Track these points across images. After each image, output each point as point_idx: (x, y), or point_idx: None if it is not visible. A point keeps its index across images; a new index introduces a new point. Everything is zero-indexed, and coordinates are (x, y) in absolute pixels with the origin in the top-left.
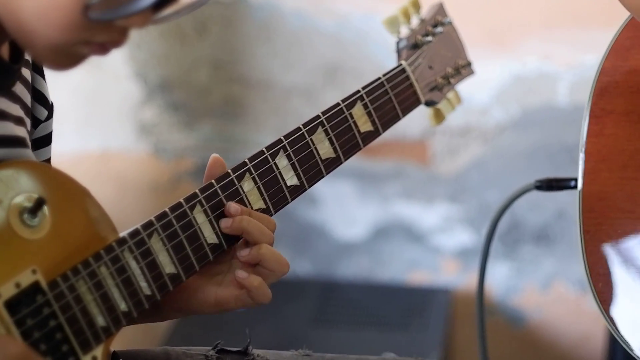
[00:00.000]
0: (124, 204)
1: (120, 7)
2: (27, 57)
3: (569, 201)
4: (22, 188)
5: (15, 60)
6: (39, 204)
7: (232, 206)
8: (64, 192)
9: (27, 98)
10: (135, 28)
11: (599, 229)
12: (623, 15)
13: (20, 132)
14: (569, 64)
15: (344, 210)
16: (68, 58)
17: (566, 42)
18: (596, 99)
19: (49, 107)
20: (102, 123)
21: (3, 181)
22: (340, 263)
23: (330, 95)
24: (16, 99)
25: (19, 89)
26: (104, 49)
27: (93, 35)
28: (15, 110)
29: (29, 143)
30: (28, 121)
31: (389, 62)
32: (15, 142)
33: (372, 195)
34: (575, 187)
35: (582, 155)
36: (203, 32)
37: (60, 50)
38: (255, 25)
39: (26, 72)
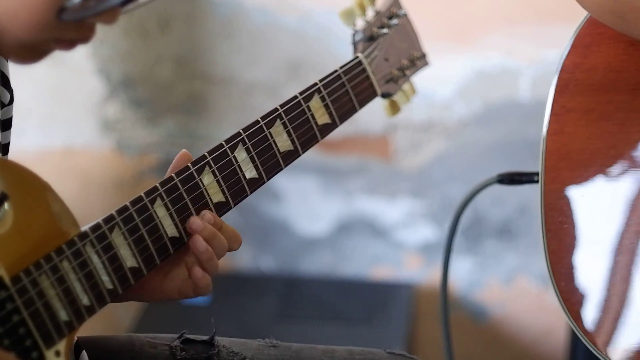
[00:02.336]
0: (88, 200)
1: (92, 6)
2: None
3: (532, 196)
4: None
5: None
6: (1, 199)
7: (195, 222)
8: (25, 186)
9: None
10: (105, 24)
11: (560, 228)
12: (584, 10)
13: None
14: (531, 59)
15: (307, 205)
16: (35, 54)
17: (528, 37)
18: (557, 96)
19: (12, 91)
20: (66, 119)
21: None
22: (304, 258)
23: (293, 91)
24: None
25: None
26: (71, 45)
27: (63, 34)
28: None
29: None
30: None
31: (350, 57)
32: None
33: (335, 191)
34: (537, 181)
35: (542, 154)
36: (166, 28)
37: (28, 48)
38: (218, 22)
39: None
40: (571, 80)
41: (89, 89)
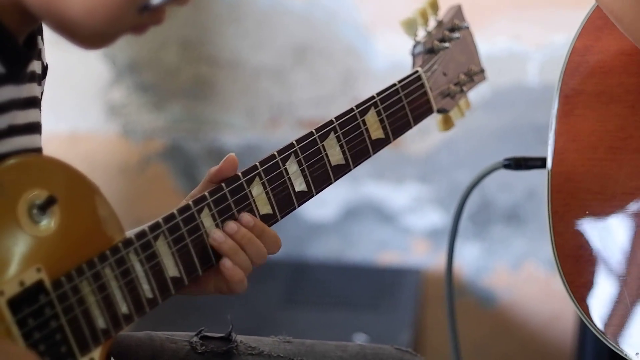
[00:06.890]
0: None
1: None
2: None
3: (539, 181)
4: (33, 183)
5: (29, 44)
6: (49, 201)
7: (245, 217)
8: (74, 189)
9: (39, 68)
10: (179, 5)
11: (567, 210)
12: None
13: (29, 116)
14: (539, 43)
15: None
16: (108, 40)
17: (536, 21)
18: (567, 78)
19: (44, 68)
20: (71, 104)
21: (14, 175)
22: (311, 244)
23: (299, 76)
24: (32, 78)
25: (35, 64)
26: (145, 29)
27: (140, 21)
28: (28, 90)
29: (39, 124)
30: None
31: (358, 41)
32: (22, 129)
33: None
34: (543, 166)
35: (551, 136)
36: (172, 12)
37: (104, 37)
38: (225, 5)
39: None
40: (582, 62)
41: (95, 73)
